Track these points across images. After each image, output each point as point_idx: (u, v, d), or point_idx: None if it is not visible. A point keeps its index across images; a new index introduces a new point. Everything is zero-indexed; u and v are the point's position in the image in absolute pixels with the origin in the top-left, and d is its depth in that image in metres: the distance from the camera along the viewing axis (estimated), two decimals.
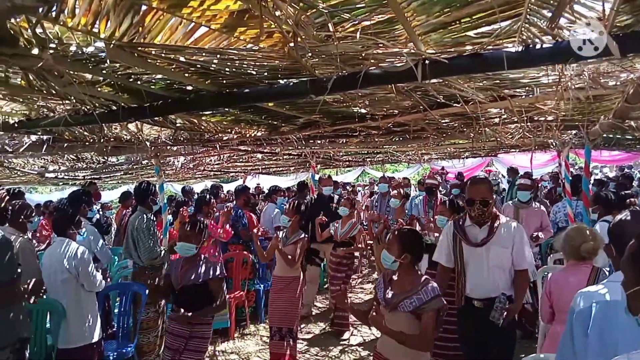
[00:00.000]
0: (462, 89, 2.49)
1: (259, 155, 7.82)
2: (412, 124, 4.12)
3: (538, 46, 1.75)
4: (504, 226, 3.17)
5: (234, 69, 2.26)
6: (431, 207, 6.27)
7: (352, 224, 5.64)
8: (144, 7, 1.65)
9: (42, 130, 3.86)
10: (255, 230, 4.64)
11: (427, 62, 1.88)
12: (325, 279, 7.25)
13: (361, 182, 18.68)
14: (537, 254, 5.45)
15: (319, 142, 5.40)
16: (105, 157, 6.76)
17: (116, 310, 4.52)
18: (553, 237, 5.18)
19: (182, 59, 2.09)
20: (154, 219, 4.52)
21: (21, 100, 2.93)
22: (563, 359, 1.75)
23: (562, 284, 2.88)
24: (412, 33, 1.77)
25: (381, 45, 1.89)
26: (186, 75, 2.32)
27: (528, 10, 1.60)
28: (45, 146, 4.40)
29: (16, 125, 3.38)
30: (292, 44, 1.79)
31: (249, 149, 6.16)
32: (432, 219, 4.40)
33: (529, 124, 3.84)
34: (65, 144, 4.48)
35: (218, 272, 3.42)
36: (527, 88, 2.82)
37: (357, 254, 6.80)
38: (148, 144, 4.54)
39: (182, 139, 4.68)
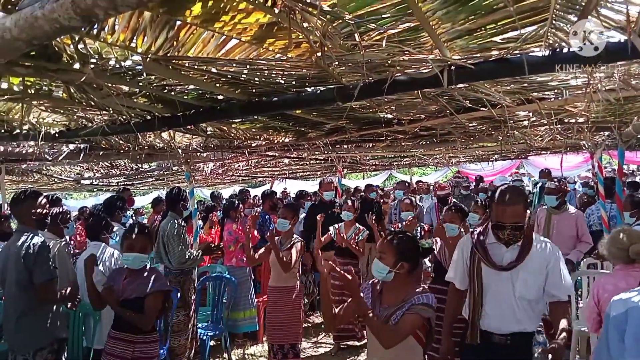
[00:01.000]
0: (488, 94, 2.48)
1: (286, 160, 7.90)
2: (438, 127, 4.10)
3: (565, 50, 1.75)
4: (537, 247, 2.54)
5: (263, 79, 2.32)
6: None
7: (358, 229, 5.19)
8: (178, 23, 1.74)
9: (80, 139, 4.04)
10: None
11: (452, 67, 1.90)
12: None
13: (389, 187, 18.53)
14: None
15: (345, 147, 5.42)
16: (139, 164, 6.96)
17: None
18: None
19: (213, 70, 2.17)
20: (184, 224, 4.62)
21: (62, 111, 3.08)
22: None
23: (611, 290, 2.66)
24: (437, 40, 1.79)
25: (407, 52, 1.91)
26: (217, 85, 2.41)
27: (554, 15, 1.60)
28: (82, 154, 4.60)
29: (57, 135, 3.55)
30: (319, 54, 1.83)
31: (277, 154, 6.24)
32: (441, 226, 4.09)
33: (558, 126, 3.77)
34: (102, 152, 4.66)
35: (158, 285, 3.02)
36: (555, 91, 2.78)
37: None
38: (180, 151, 4.68)
39: (212, 145, 4.79)
